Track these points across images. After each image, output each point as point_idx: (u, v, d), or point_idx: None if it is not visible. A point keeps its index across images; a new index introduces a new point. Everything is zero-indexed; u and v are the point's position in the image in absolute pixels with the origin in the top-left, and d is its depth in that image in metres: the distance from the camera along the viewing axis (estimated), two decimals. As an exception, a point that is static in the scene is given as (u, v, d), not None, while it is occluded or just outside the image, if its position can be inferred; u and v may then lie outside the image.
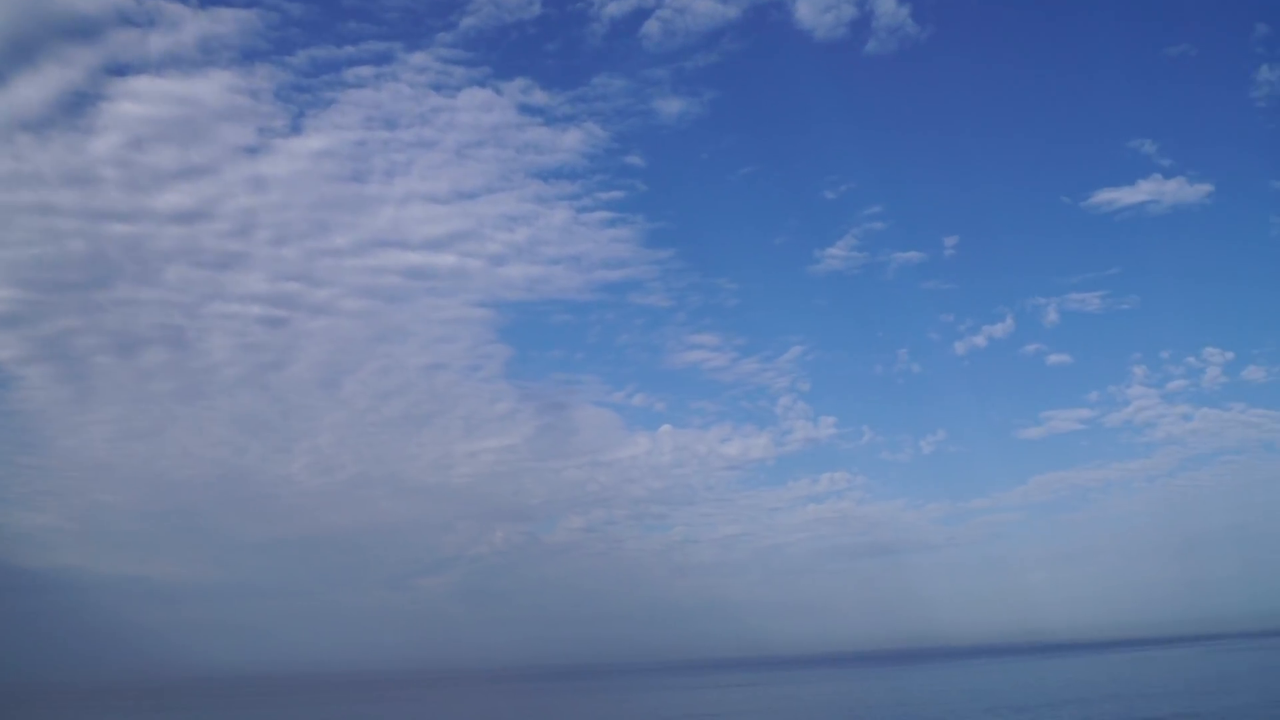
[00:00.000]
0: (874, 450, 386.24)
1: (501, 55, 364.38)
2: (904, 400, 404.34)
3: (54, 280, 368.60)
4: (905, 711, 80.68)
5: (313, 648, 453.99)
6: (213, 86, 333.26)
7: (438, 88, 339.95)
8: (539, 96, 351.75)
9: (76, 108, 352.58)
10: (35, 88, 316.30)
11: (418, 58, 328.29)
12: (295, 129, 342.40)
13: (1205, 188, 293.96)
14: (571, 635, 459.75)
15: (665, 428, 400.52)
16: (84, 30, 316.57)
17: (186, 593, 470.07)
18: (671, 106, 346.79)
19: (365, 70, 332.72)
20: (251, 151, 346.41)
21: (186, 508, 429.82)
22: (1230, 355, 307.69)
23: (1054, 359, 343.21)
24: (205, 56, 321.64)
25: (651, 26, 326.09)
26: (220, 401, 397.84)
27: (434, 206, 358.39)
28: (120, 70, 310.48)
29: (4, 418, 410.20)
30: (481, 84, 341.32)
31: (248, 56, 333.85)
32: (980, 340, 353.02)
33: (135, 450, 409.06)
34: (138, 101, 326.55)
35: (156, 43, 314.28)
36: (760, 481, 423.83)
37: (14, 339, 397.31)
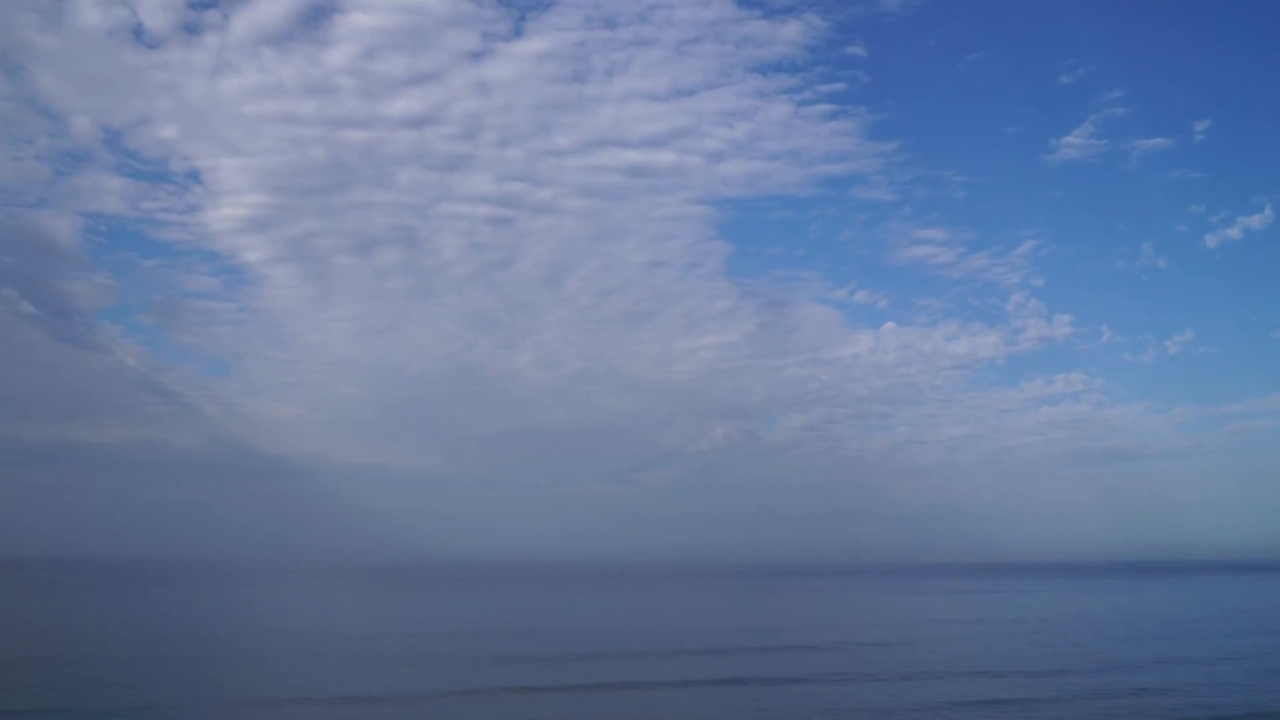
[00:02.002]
0: (1114, 351, 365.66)
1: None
2: (1147, 297, 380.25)
3: (297, 186, 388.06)
4: (1159, 628, 73.60)
5: (535, 537, 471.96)
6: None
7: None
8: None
9: (314, 21, 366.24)
10: (276, 3, 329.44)
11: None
12: (517, 32, 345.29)
13: None
14: (790, 533, 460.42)
15: (888, 325, 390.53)
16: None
17: (418, 481, 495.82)
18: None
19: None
20: (476, 56, 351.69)
21: (420, 400, 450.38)
22: None
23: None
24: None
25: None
26: (450, 299, 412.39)
27: (653, 104, 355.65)
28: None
29: (255, 315, 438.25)
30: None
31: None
32: (1234, 233, 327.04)
33: (373, 345, 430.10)
34: (369, 12, 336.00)
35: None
36: (989, 382, 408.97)
37: (262, 241, 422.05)
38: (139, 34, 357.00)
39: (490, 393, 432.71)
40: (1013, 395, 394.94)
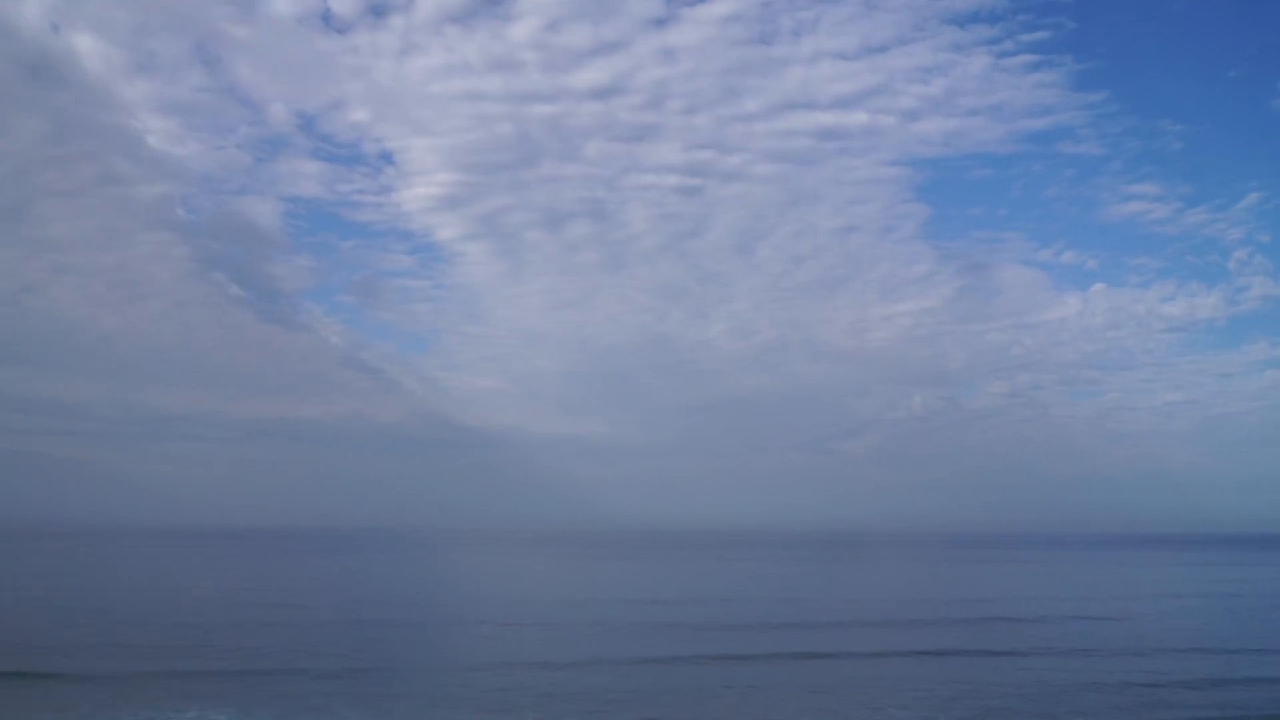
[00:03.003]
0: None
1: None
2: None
3: (487, 162, 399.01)
4: None
5: (729, 507, 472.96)
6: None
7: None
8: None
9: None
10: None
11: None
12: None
13: None
14: (993, 503, 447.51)
15: (1098, 287, 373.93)
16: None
17: (613, 451, 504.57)
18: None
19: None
20: (660, 23, 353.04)
21: (613, 372, 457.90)
22: None
23: None
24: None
25: None
26: (641, 270, 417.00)
27: (843, 63, 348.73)
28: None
29: (450, 291, 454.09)
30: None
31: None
32: None
33: (565, 318, 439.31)
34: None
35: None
36: (1208, 344, 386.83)
37: (455, 219, 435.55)
38: (327, 20, 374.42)
39: (683, 363, 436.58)
40: (1234, 358, 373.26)
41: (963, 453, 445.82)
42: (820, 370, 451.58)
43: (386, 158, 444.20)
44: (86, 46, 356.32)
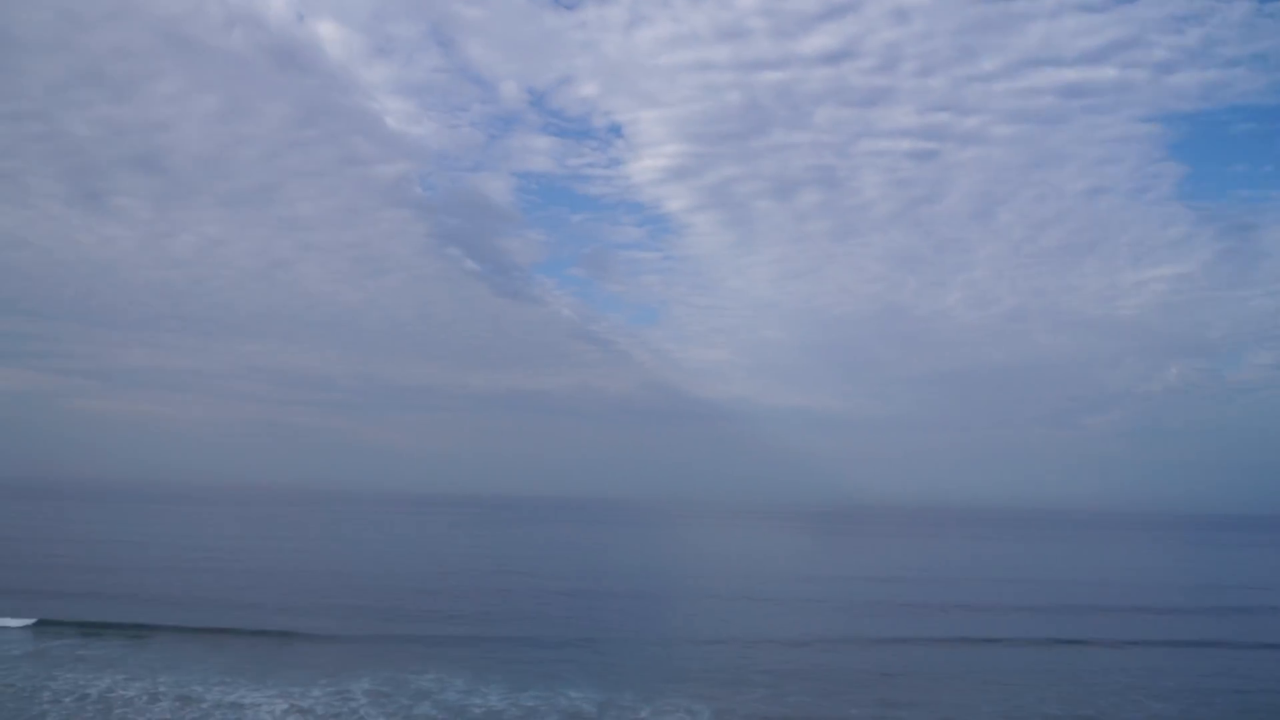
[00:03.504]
0: None
1: None
2: None
3: (715, 132, 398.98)
4: None
5: (968, 482, 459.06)
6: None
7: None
8: None
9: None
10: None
11: None
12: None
13: None
14: (1256, 484, 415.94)
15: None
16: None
17: (844, 424, 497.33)
18: None
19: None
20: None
21: (845, 343, 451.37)
22: None
23: None
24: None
25: None
26: (873, 238, 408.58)
27: (1089, 15, 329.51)
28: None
29: (679, 263, 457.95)
30: None
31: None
32: None
33: (796, 289, 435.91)
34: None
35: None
36: None
37: (684, 190, 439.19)
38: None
39: (918, 333, 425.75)
40: None
41: (1222, 429, 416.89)
42: (1065, 340, 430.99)
43: (615, 131, 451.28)
44: (329, 33, 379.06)
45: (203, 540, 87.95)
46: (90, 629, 36.91)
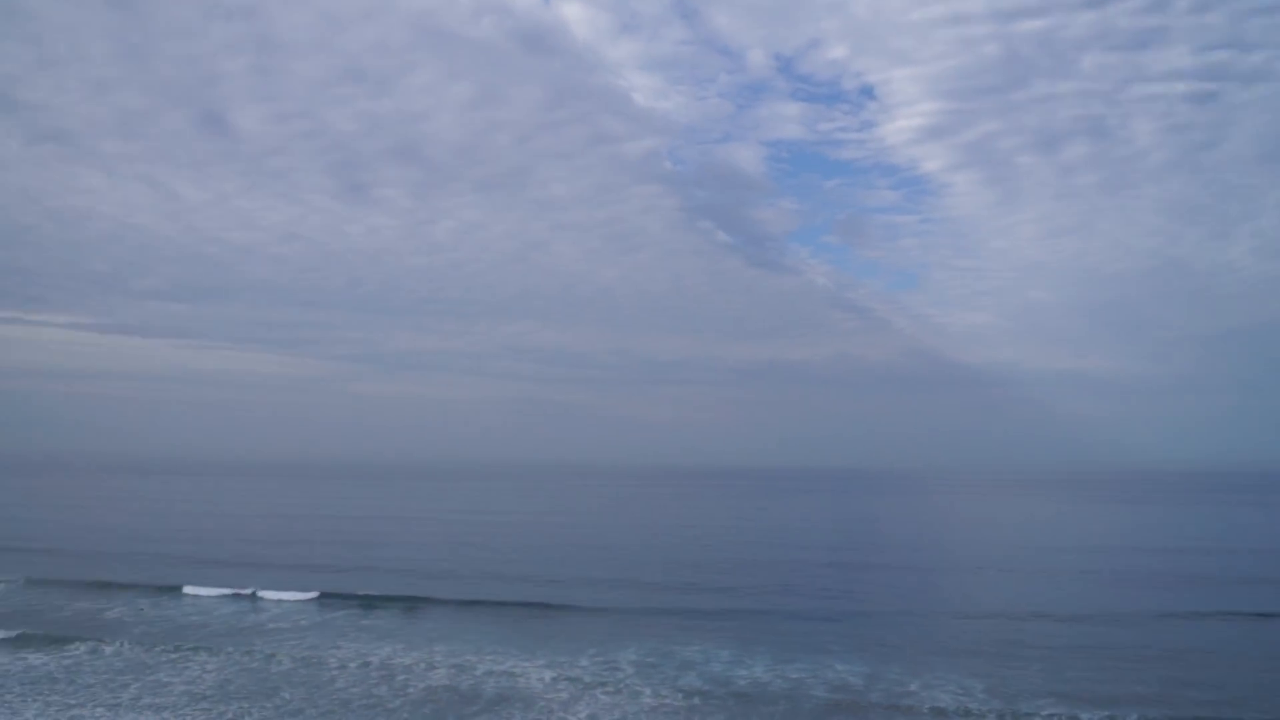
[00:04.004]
0: None
1: None
2: None
3: (972, 87, 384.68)
4: None
5: (1260, 445, 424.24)
6: None
7: None
8: None
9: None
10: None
11: None
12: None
13: None
14: None
15: None
16: None
17: (1118, 386, 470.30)
18: None
19: None
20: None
21: (1118, 302, 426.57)
22: None
23: None
24: None
25: None
26: (1147, 189, 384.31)
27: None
28: None
29: (939, 225, 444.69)
30: None
31: None
32: None
33: (1063, 247, 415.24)
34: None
35: None
36: None
37: (941, 149, 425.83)
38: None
39: (1199, 289, 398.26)
40: None
41: None
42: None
43: (867, 92, 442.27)
44: (575, 14, 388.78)
45: (467, 515, 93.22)
46: (369, 601, 39.88)
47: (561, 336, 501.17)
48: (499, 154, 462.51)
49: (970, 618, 37.23)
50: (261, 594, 41.21)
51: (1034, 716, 24.04)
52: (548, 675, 27.71)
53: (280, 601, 40.18)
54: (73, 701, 25.33)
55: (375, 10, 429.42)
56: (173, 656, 30.18)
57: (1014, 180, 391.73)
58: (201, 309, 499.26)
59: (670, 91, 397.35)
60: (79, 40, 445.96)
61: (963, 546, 67.38)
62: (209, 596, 41.28)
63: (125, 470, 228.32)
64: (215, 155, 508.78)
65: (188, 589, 42.50)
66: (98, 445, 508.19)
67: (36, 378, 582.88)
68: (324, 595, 41.09)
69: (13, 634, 32.87)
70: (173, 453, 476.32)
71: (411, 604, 39.53)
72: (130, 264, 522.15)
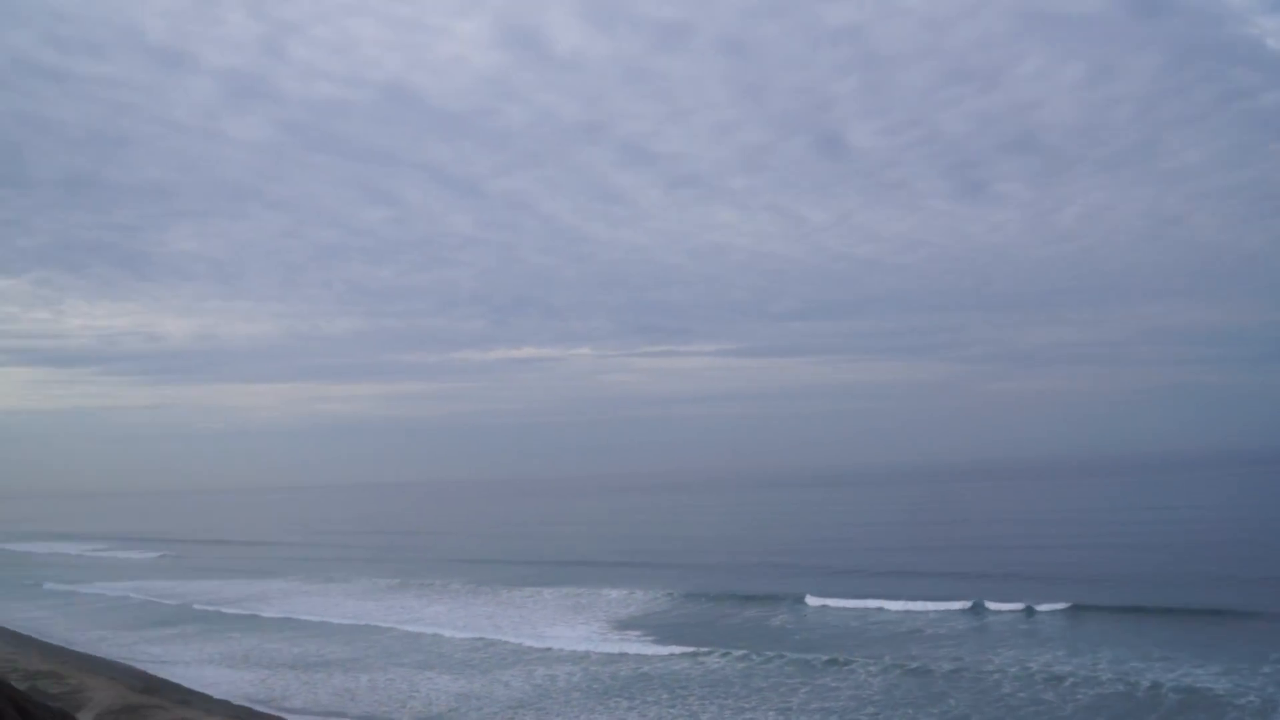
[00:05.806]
0: None
1: None
2: None
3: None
4: None
5: None
6: None
7: None
8: None
9: None
10: None
11: None
12: None
13: None
14: None
15: None
16: None
17: None
18: None
19: None
20: None
21: None
22: None
23: None
24: None
25: None
26: None
27: None
28: None
29: None
30: None
31: None
32: None
33: None
34: None
35: None
36: None
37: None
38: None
39: None
40: None
41: None
42: None
43: None
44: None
45: (1123, 513, 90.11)
46: (1028, 612, 39.30)
47: (1206, 314, 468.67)
48: (1121, 129, 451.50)
49: None
50: (909, 605, 41.65)
51: None
52: (1225, 683, 26.14)
53: (928, 612, 40.64)
54: (747, 705, 27.32)
55: (976, 6, 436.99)
56: (834, 663, 31.71)
57: None
58: (833, 325, 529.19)
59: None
60: (702, 89, 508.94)
61: None
62: (841, 608, 42.82)
63: (767, 485, 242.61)
64: (835, 176, 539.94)
65: (811, 599, 44.60)
66: (742, 461, 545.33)
67: (685, 403, 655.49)
68: (975, 605, 40.84)
69: (687, 646, 35.64)
70: (812, 464, 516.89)
71: (1074, 612, 38.56)
72: (766, 289, 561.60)
